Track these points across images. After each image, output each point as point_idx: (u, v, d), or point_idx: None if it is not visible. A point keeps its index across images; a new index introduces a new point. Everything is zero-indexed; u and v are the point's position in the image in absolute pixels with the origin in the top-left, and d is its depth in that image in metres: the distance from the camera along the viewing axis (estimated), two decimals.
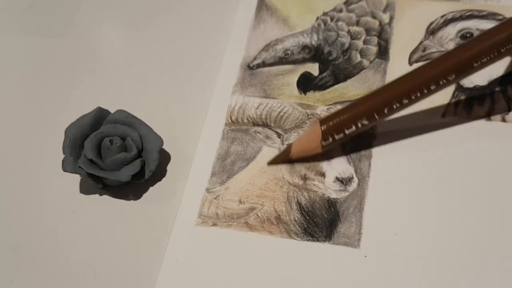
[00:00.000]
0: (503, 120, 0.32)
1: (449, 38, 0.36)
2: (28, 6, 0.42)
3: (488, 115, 0.33)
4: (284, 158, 0.32)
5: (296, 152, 0.31)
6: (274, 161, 0.32)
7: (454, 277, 0.28)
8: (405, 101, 0.30)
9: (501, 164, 0.31)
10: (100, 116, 0.33)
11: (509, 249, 0.29)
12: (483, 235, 0.29)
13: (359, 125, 0.30)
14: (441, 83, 0.30)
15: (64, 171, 0.31)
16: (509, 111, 0.33)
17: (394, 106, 0.30)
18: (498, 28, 0.30)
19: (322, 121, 0.31)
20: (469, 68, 0.30)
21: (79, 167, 0.31)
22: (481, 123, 0.32)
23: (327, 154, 0.32)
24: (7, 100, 0.37)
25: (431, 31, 0.36)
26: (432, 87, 0.30)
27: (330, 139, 0.31)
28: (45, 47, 0.39)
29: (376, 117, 0.30)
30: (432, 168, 0.31)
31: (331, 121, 0.31)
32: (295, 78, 0.36)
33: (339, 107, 0.34)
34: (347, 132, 0.30)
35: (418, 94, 0.30)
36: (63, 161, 0.32)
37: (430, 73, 0.30)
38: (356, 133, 0.31)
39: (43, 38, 0.40)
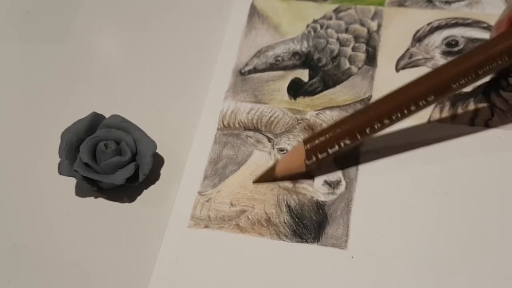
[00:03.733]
0: (486, 125, 0.33)
1: (435, 46, 0.37)
2: (26, 13, 0.42)
3: (471, 121, 0.34)
4: (269, 176, 0.32)
5: (280, 170, 0.32)
6: (260, 180, 0.32)
7: (438, 278, 0.29)
8: (386, 121, 0.31)
9: (484, 168, 0.32)
10: (95, 121, 0.34)
11: (494, 250, 0.29)
12: (467, 237, 0.30)
13: (342, 144, 0.31)
14: (420, 104, 0.30)
15: (60, 174, 0.32)
16: (492, 116, 0.34)
17: (376, 126, 0.31)
18: (476, 51, 0.31)
19: (306, 141, 0.31)
20: (447, 90, 0.30)
21: (75, 170, 0.32)
22: (464, 128, 0.33)
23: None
24: (4, 105, 0.38)
25: (418, 39, 0.37)
26: (412, 108, 0.30)
27: (314, 158, 0.31)
28: (42, 53, 0.40)
29: (358, 136, 0.31)
30: (417, 172, 0.32)
31: (315, 141, 0.31)
32: (285, 84, 0.36)
33: (328, 112, 0.35)
34: (330, 151, 0.31)
35: (399, 115, 0.30)
36: (59, 164, 0.32)
37: (410, 94, 0.30)
38: (339, 152, 0.31)
39: (40, 44, 0.40)
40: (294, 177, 0.32)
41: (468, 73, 0.30)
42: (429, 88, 0.30)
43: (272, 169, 0.32)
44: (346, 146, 0.31)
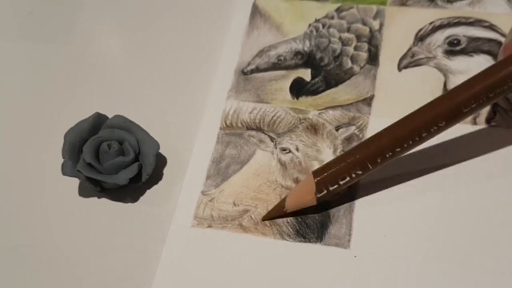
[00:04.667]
0: (488, 124, 0.33)
1: (437, 45, 0.37)
2: (28, 13, 0.42)
3: (473, 120, 0.34)
4: (279, 212, 0.31)
5: (290, 205, 0.31)
6: (268, 216, 0.31)
7: (441, 277, 0.29)
8: (398, 150, 0.30)
9: (487, 166, 0.32)
10: (98, 121, 0.34)
11: (496, 249, 0.29)
12: (470, 236, 0.30)
13: (353, 175, 0.30)
14: (432, 130, 0.30)
15: (64, 174, 0.32)
16: (495, 115, 0.34)
17: (387, 155, 0.30)
18: (486, 73, 0.30)
19: (315, 173, 0.30)
20: (459, 115, 0.30)
21: (78, 171, 0.32)
22: (466, 127, 0.33)
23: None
24: (7, 105, 0.38)
25: (420, 38, 0.37)
26: (424, 135, 0.30)
27: (325, 191, 0.30)
28: (45, 53, 0.40)
29: (370, 166, 0.30)
30: (420, 171, 0.32)
31: (324, 173, 0.30)
32: (288, 83, 0.37)
33: (330, 111, 0.35)
34: (341, 183, 0.30)
35: (410, 142, 0.30)
36: (62, 165, 0.32)
37: (421, 120, 0.30)
38: (350, 183, 0.30)
39: (43, 44, 0.40)
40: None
41: (479, 97, 0.29)
42: (440, 113, 0.29)
43: (281, 204, 0.31)
44: (358, 176, 0.30)
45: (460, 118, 0.30)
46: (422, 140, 0.30)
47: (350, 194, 0.32)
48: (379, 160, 0.30)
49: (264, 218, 0.31)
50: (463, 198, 0.31)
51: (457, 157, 0.32)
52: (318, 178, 0.30)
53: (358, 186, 0.32)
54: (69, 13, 0.42)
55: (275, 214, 0.31)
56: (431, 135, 0.30)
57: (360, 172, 0.30)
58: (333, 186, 0.30)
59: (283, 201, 0.31)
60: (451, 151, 0.33)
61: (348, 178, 0.30)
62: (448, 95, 0.30)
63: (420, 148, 0.32)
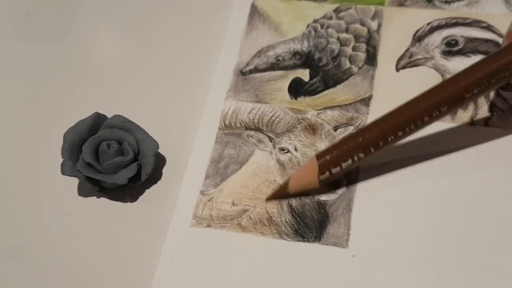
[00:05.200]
0: (486, 124, 0.34)
1: (434, 45, 0.37)
2: (26, 13, 0.42)
3: (471, 120, 0.34)
4: (282, 193, 0.32)
5: (293, 186, 0.31)
6: (272, 197, 0.32)
7: (439, 276, 0.29)
8: (400, 133, 0.30)
9: (484, 166, 0.32)
10: (97, 121, 0.34)
11: (495, 248, 0.30)
12: (468, 235, 0.30)
13: (355, 158, 0.30)
14: (434, 114, 0.30)
15: (63, 174, 0.32)
16: (492, 116, 0.34)
17: (389, 139, 0.30)
18: (488, 59, 0.30)
19: (319, 155, 0.31)
20: (460, 100, 0.30)
21: (78, 170, 0.32)
22: (464, 128, 0.33)
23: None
24: (7, 106, 0.38)
25: (418, 38, 0.37)
26: (426, 119, 0.30)
27: (327, 173, 0.31)
28: (43, 53, 0.40)
29: (372, 149, 0.30)
30: (418, 170, 0.32)
31: (327, 155, 0.31)
32: (286, 83, 0.37)
33: (328, 112, 0.35)
34: (343, 165, 0.30)
35: (412, 126, 0.30)
36: (62, 164, 0.32)
37: (423, 105, 0.30)
38: (353, 166, 0.31)
39: (41, 44, 0.40)
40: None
41: (481, 82, 0.30)
42: (442, 98, 0.30)
43: (284, 186, 0.32)
44: (360, 159, 0.30)
45: (461, 102, 0.30)
46: (424, 124, 0.30)
47: (348, 194, 0.32)
48: (381, 144, 0.30)
49: (268, 198, 0.32)
50: (462, 197, 0.31)
51: (455, 157, 0.32)
52: (321, 160, 0.31)
53: (357, 185, 0.32)
54: (66, 12, 0.42)
55: (279, 195, 0.32)
56: (432, 119, 0.30)
57: (362, 155, 0.30)
58: (335, 168, 0.31)
59: (286, 182, 0.32)
60: (450, 151, 0.33)
61: (350, 161, 0.30)
62: (451, 80, 0.30)
63: (419, 147, 0.32)
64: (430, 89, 0.31)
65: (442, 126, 0.33)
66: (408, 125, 0.30)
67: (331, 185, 0.32)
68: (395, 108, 0.31)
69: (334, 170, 0.31)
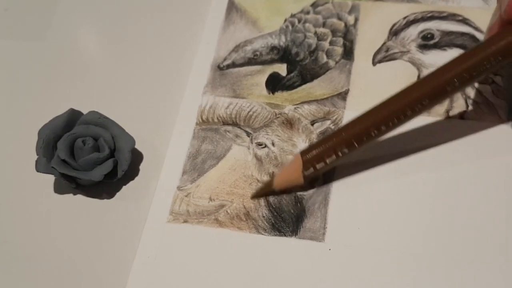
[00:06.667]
0: (461, 117, 0.34)
1: (411, 39, 0.37)
2: (4, 10, 0.42)
3: (447, 113, 0.34)
4: (267, 190, 0.32)
5: (278, 183, 0.32)
6: (257, 195, 0.32)
7: (415, 268, 0.29)
8: (383, 128, 0.30)
9: (460, 159, 0.32)
10: (72, 117, 0.34)
11: (472, 239, 0.30)
12: (444, 227, 0.30)
13: (339, 153, 0.30)
14: (416, 108, 0.30)
15: (38, 171, 0.32)
16: (467, 109, 0.34)
17: (373, 134, 0.30)
18: (470, 53, 0.30)
19: (303, 152, 0.31)
20: (442, 93, 0.30)
21: (52, 167, 0.32)
22: (440, 121, 0.34)
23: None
24: None
25: (394, 32, 0.37)
26: (408, 113, 0.30)
27: (312, 169, 0.31)
28: (19, 50, 0.40)
29: (356, 144, 0.30)
30: (393, 163, 0.32)
31: (312, 151, 0.31)
32: (263, 78, 0.37)
33: (306, 106, 0.35)
34: (327, 161, 0.31)
35: (396, 121, 0.30)
36: (36, 161, 0.32)
37: (405, 100, 0.30)
38: (337, 162, 0.31)
39: (18, 41, 0.40)
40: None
41: (463, 76, 0.30)
42: (424, 92, 0.30)
43: (269, 183, 0.32)
44: (344, 154, 0.31)
45: (443, 96, 0.30)
46: (407, 118, 0.30)
47: (325, 189, 0.32)
48: (365, 139, 0.30)
49: (253, 196, 0.32)
50: (438, 189, 0.31)
51: (430, 149, 0.33)
52: (306, 156, 0.31)
53: (333, 179, 0.32)
54: (44, 10, 0.42)
55: (264, 192, 0.32)
56: (415, 113, 0.30)
57: (346, 151, 0.31)
58: (319, 163, 0.31)
59: (271, 179, 0.32)
60: (425, 144, 0.33)
61: (334, 156, 0.31)
62: (432, 74, 0.31)
63: (395, 140, 0.32)
64: (412, 83, 0.31)
65: (418, 120, 0.33)
66: (391, 120, 0.30)
67: (310, 180, 0.32)
68: (378, 103, 0.31)
69: (318, 166, 0.31)
